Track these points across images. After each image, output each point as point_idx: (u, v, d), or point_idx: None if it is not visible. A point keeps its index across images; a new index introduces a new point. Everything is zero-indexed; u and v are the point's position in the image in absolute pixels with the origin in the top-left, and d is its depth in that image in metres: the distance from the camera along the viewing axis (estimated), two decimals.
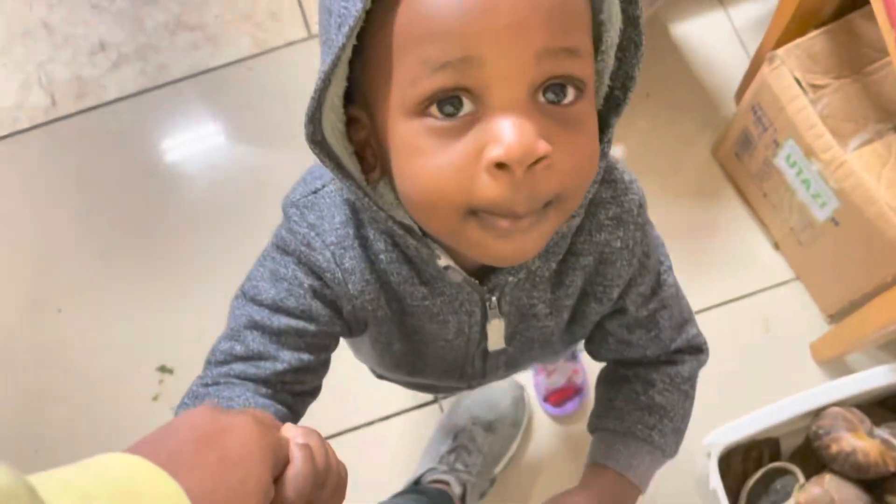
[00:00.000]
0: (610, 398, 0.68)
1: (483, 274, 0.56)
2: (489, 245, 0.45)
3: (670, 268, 0.64)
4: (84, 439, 1.31)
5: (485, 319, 0.60)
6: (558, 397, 1.23)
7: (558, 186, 0.43)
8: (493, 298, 0.58)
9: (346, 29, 0.40)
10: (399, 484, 1.20)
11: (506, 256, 0.46)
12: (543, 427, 1.26)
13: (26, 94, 1.54)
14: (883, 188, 1.04)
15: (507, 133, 0.40)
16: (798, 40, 1.11)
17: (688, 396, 0.67)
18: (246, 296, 0.58)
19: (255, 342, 0.56)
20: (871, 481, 1.05)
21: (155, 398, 1.32)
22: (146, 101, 1.53)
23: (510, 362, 0.69)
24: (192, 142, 1.52)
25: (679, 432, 0.67)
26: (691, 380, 0.67)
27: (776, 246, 1.32)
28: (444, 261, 0.53)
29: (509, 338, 0.63)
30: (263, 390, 0.55)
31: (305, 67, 1.55)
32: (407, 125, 0.43)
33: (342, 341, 0.66)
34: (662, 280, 0.63)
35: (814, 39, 1.11)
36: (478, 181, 0.42)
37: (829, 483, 1.05)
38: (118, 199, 1.47)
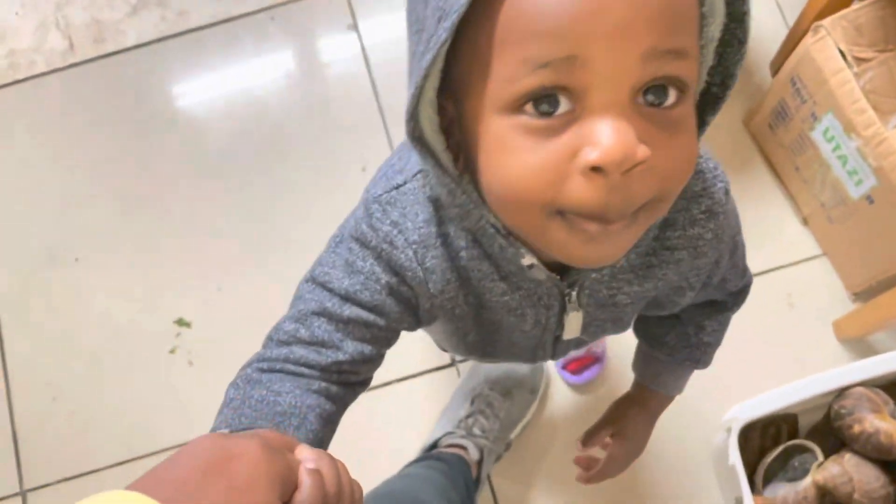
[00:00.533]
0: (663, 332, 0.74)
1: (564, 268, 0.55)
2: (574, 248, 0.44)
3: (740, 229, 0.64)
4: (100, 389, 1.32)
5: (563, 312, 0.60)
6: (577, 365, 1.23)
7: (654, 191, 0.42)
8: (573, 293, 0.57)
9: (448, 24, 0.38)
10: (413, 444, 1.20)
11: (590, 260, 0.45)
12: (560, 394, 1.26)
13: (44, 37, 1.51)
14: None
15: (606, 136, 0.39)
16: (844, 11, 1.08)
17: (728, 325, 0.75)
18: (316, 281, 0.57)
19: (321, 329, 0.55)
20: (890, 462, 1.04)
21: (172, 351, 1.32)
22: (166, 49, 1.50)
23: (580, 343, 0.70)
24: (212, 92, 1.49)
25: (716, 350, 0.76)
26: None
27: (804, 221, 1.30)
28: (528, 259, 0.52)
29: (585, 327, 0.63)
30: (316, 385, 0.54)
31: (331, 18, 1.51)
32: (499, 121, 0.41)
33: None
34: (737, 242, 0.64)
35: (860, 11, 1.07)
36: (569, 182, 0.40)
37: (848, 462, 1.04)
38: (136, 149, 1.45)
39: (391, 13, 1.51)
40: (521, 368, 1.21)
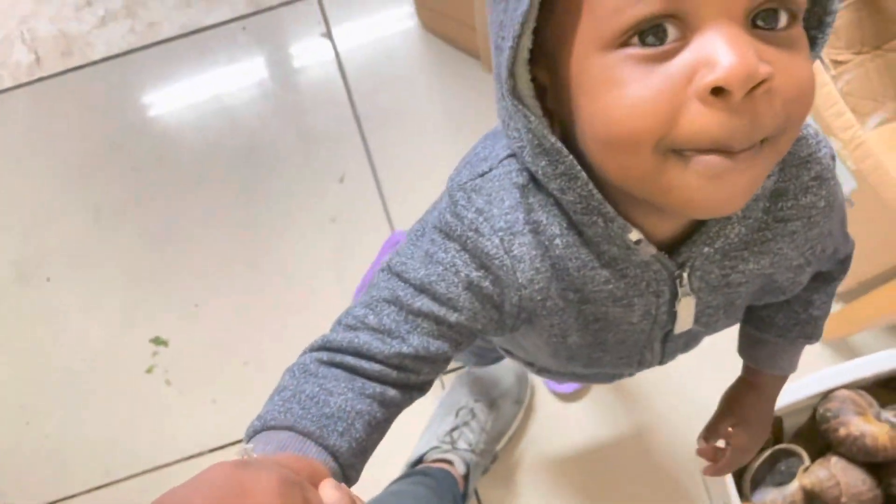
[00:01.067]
0: (770, 314, 0.70)
1: (672, 248, 0.52)
2: (695, 189, 0.40)
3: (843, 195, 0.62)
4: (76, 412, 1.29)
5: (674, 298, 0.55)
6: None
7: (780, 115, 0.39)
8: (685, 274, 0.53)
9: None
10: (398, 459, 1.18)
11: (713, 202, 0.41)
12: (546, 404, 1.25)
13: (9, 51, 1.48)
14: None
15: (724, 53, 0.36)
16: None
17: (834, 295, 0.72)
18: (392, 270, 0.54)
19: (390, 318, 0.52)
20: (877, 464, 1.04)
21: (149, 370, 1.29)
22: (136, 61, 1.47)
23: (690, 342, 0.67)
24: (184, 104, 1.47)
25: (825, 321, 0.73)
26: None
27: None
28: (635, 234, 0.49)
29: (697, 316, 0.59)
30: (370, 389, 0.51)
31: (301, 28, 1.49)
32: (603, 59, 0.39)
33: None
34: (844, 208, 0.61)
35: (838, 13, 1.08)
36: (687, 111, 0.38)
37: (834, 466, 1.04)
38: (107, 163, 1.42)
39: (365, 20, 1.49)
40: (506, 379, 1.20)
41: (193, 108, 1.46)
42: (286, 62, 1.49)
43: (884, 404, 1.08)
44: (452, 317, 0.52)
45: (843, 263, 0.68)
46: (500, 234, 0.51)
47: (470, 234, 0.51)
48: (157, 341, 1.30)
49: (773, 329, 0.71)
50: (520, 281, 0.52)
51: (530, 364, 0.79)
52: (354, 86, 1.45)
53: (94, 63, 1.46)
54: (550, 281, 0.53)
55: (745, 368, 0.77)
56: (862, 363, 1.07)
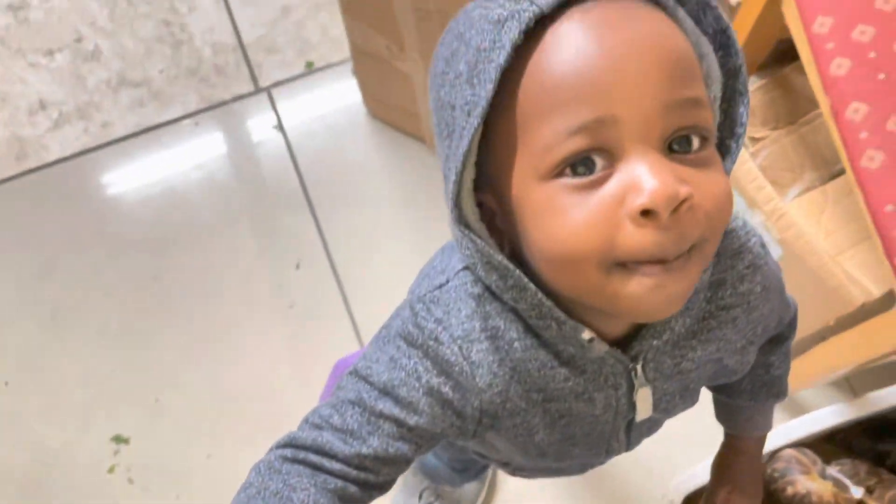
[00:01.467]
0: (737, 382, 0.75)
1: (624, 343, 0.56)
2: (639, 297, 0.44)
3: (780, 268, 0.66)
4: None
5: (632, 390, 0.59)
6: None
7: (703, 226, 0.44)
8: (638, 367, 0.57)
9: (479, 110, 0.42)
10: None
11: (656, 308, 0.46)
12: (508, 478, 1.27)
13: None
14: (822, 236, 1.08)
15: (648, 180, 0.41)
16: None
17: (791, 351, 0.77)
18: (359, 374, 0.58)
19: (353, 419, 0.55)
20: None
21: (111, 470, 1.29)
22: (91, 161, 1.50)
23: (652, 427, 0.70)
24: (139, 200, 1.49)
25: (787, 377, 0.78)
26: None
27: None
28: (587, 334, 0.53)
29: (656, 404, 0.62)
30: (332, 484, 0.54)
31: (253, 121, 1.54)
32: (542, 188, 0.44)
33: None
34: (782, 281, 0.65)
35: (751, 94, 1.15)
36: (622, 231, 0.43)
37: None
38: (64, 263, 1.44)
39: (314, 111, 1.55)
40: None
41: (148, 203, 1.49)
42: (239, 154, 1.54)
43: (828, 460, 1.12)
44: (412, 420, 0.55)
45: (791, 324, 0.74)
46: (459, 342, 0.55)
47: (430, 342, 0.55)
48: (118, 439, 1.30)
49: (743, 394, 0.75)
50: (479, 385, 0.55)
51: (506, 464, 0.81)
52: (306, 173, 1.49)
53: (49, 165, 1.49)
54: (509, 384, 0.56)
55: (727, 435, 0.82)
56: (807, 420, 1.12)
